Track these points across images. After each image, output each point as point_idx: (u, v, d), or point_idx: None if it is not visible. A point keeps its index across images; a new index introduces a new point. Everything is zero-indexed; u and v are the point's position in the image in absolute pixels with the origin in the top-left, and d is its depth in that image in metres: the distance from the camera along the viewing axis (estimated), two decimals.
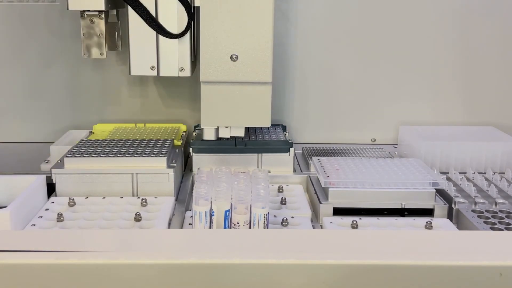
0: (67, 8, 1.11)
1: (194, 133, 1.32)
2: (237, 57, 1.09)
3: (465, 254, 0.74)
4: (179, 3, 1.12)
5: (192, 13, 1.14)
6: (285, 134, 1.31)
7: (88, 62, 1.41)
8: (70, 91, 1.44)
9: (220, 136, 1.19)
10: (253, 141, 1.24)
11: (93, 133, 1.33)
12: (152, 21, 1.12)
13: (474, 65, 1.45)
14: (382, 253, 0.74)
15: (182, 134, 1.31)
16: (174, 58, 1.16)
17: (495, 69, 1.45)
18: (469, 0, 1.41)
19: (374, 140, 1.48)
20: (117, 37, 1.28)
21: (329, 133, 1.48)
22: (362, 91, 1.46)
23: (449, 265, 0.72)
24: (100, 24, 1.16)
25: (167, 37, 1.14)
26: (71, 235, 0.82)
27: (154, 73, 1.17)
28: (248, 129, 1.35)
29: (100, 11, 1.15)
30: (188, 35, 1.15)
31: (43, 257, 0.71)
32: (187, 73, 1.17)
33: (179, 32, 1.14)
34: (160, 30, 1.13)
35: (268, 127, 1.36)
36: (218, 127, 1.18)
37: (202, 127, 1.18)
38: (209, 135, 1.19)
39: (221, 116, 1.14)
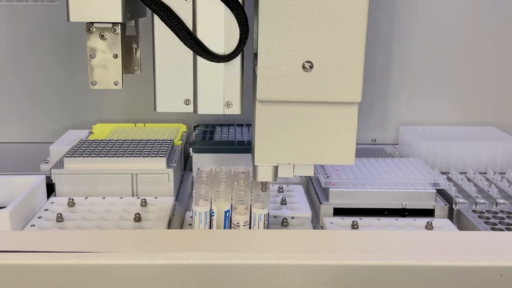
0: (68, 20, 0.86)
1: (194, 133, 1.32)
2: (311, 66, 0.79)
3: (466, 254, 0.74)
4: (228, 13, 0.82)
5: (247, 26, 0.82)
6: None
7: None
8: (70, 91, 1.44)
9: (280, 175, 0.87)
10: None
11: (93, 133, 1.32)
12: (188, 37, 0.82)
13: (474, 65, 1.45)
14: (382, 253, 0.74)
15: (182, 134, 1.30)
16: (219, 89, 0.86)
17: (495, 69, 1.45)
18: (469, 0, 1.41)
19: (374, 140, 1.48)
20: (134, 56, 0.97)
21: None
22: (362, 91, 1.45)
23: (449, 265, 0.72)
24: (115, 41, 0.85)
25: (209, 59, 0.83)
26: (70, 235, 0.82)
27: (190, 109, 0.87)
28: (248, 129, 1.34)
29: (114, 23, 0.85)
30: (238, 57, 0.84)
31: (42, 257, 0.71)
32: (236, 109, 0.87)
33: (227, 53, 0.83)
34: (200, 49, 0.82)
35: None
36: (278, 164, 0.86)
37: (256, 164, 0.85)
38: (265, 175, 0.86)
39: (282, 151, 0.84)
